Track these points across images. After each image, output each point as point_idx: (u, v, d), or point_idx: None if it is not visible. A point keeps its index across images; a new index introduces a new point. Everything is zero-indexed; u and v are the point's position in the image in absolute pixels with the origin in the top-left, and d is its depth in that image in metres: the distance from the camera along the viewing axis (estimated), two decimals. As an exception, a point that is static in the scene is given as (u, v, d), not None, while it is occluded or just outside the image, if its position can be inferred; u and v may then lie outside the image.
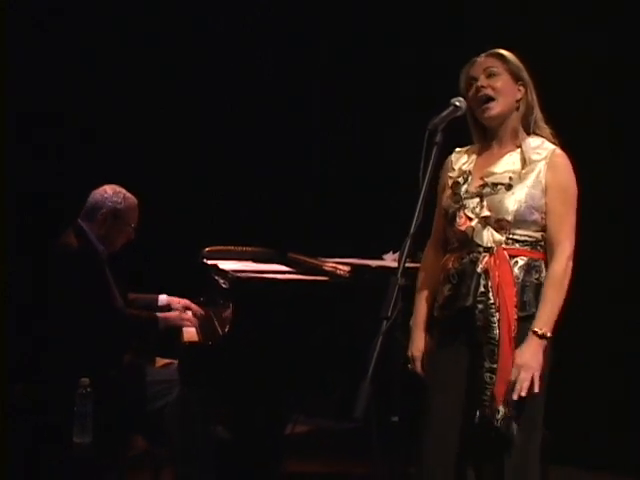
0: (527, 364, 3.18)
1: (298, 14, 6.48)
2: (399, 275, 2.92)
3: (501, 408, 3.18)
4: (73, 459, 3.84)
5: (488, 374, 3.21)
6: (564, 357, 5.18)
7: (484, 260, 3.27)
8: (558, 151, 3.34)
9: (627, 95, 5.58)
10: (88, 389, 3.84)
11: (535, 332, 3.21)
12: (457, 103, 3.27)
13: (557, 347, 3.36)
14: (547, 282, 3.26)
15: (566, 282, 3.26)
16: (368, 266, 4.35)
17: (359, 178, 6.38)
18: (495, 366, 3.20)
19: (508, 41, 3.55)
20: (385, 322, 2.82)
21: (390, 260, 4.64)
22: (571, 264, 3.27)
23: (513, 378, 3.18)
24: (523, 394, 3.17)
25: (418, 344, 3.46)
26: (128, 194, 4.69)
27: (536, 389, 3.18)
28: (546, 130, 3.40)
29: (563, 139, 3.42)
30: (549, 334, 3.21)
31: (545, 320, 3.22)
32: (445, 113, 3.22)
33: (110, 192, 4.65)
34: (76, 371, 4.05)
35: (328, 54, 6.54)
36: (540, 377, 3.21)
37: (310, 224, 6.31)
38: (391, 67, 6.24)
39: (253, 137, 6.54)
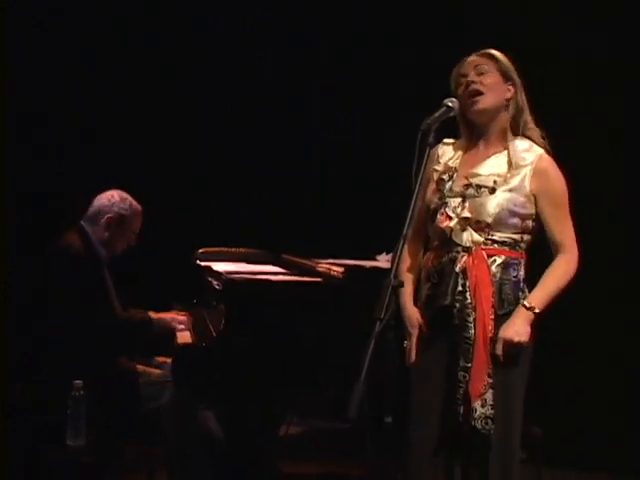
0: (516, 333, 3.21)
1: (298, 14, 6.47)
2: (392, 276, 2.92)
3: (478, 407, 3.19)
4: (69, 460, 3.83)
5: (462, 373, 3.23)
6: (564, 357, 5.22)
7: (462, 259, 3.28)
8: (545, 156, 3.35)
9: (627, 95, 5.56)
10: (81, 392, 3.83)
11: (523, 305, 3.25)
12: (450, 104, 3.28)
13: (554, 346, 3.36)
14: (548, 270, 3.30)
15: (566, 278, 3.30)
16: (361, 267, 4.36)
17: (359, 178, 6.37)
18: (469, 365, 3.22)
19: (508, 41, 3.55)
20: (378, 323, 2.82)
21: (383, 261, 4.62)
22: (576, 266, 3.31)
23: (498, 352, 3.21)
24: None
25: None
26: (134, 202, 4.71)
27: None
28: (536, 132, 3.40)
29: (563, 139, 3.41)
30: (537, 310, 3.24)
31: (535, 297, 3.27)
32: (438, 114, 3.23)
33: (117, 198, 4.66)
34: (70, 372, 4.04)
35: (328, 54, 6.53)
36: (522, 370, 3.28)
37: (310, 224, 6.31)
38: (391, 67, 6.23)
39: (253, 137, 6.53)
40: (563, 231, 3.31)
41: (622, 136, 5.60)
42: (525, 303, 3.25)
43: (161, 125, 6.34)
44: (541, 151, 3.35)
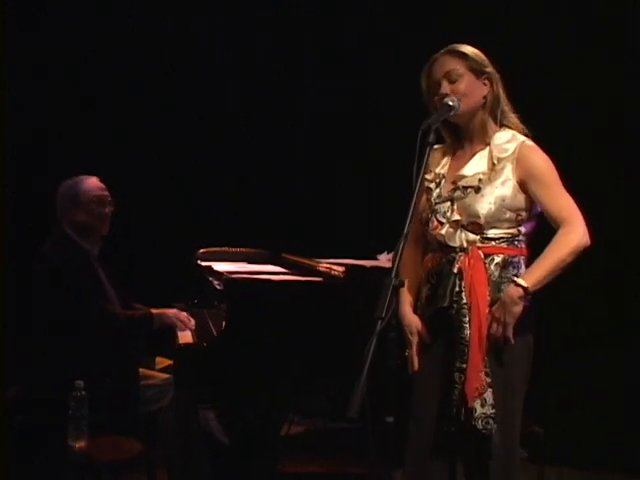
0: (504, 309, 3.18)
1: (298, 14, 6.49)
2: (393, 275, 2.91)
3: (478, 407, 3.18)
4: (68, 461, 3.83)
5: (457, 374, 3.23)
6: (562, 356, 5.22)
7: (460, 260, 3.27)
8: (526, 143, 3.33)
9: (627, 95, 5.56)
10: (83, 392, 3.82)
11: (514, 281, 3.21)
12: (450, 103, 3.28)
13: (552, 345, 3.36)
14: (550, 245, 3.23)
15: (566, 249, 3.20)
16: (362, 266, 4.35)
17: (359, 178, 6.37)
18: (465, 366, 3.21)
19: (506, 40, 3.55)
20: (379, 322, 2.81)
21: (384, 260, 4.64)
22: (579, 236, 3.21)
23: (492, 331, 3.19)
24: (507, 333, 3.17)
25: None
26: (81, 177, 4.64)
27: (509, 334, 3.17)
28: (513, 118, 3.39)
29: (562, 139, 3.41)
30: (523, 283, 3.18)
31: (528, 275, 3.21)
32: (438, 113, 3.23)
33: (61, 189, 4.64)
34: (71, 374, 4.02)
35: (327, 54, 6.54)
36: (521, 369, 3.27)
37: (309, 224, 6.32)
38: (391, 67, 6.23)
39: (253, 137, 6.55)
40: (559, 206, 3.25)
41: (622, 136, 5.59)
42: (517, 280, 3.20)
43: (160, 125, 6.35)
44: (522, 139, 3.33)
